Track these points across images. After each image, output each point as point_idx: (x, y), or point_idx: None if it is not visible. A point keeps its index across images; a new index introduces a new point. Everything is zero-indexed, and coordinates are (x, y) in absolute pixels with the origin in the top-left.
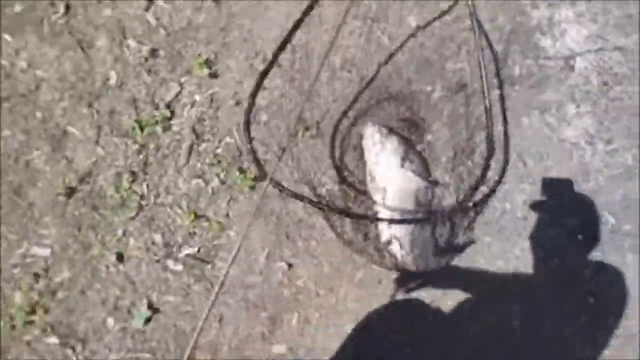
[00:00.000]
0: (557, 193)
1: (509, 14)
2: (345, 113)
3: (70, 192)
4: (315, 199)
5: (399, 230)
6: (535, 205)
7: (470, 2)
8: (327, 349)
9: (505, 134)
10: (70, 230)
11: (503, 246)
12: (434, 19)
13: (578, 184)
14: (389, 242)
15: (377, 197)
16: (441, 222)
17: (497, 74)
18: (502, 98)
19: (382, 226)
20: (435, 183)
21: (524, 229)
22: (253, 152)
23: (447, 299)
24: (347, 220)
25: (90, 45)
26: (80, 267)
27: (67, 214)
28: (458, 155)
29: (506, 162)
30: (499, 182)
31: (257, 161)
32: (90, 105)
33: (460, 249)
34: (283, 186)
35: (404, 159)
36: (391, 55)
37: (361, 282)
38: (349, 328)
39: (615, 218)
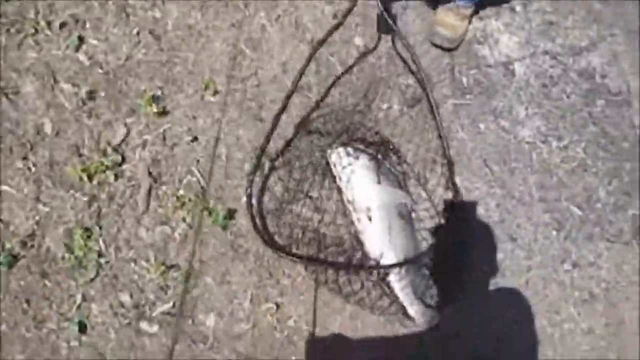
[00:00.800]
0: None
1: None
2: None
3: (12, 260)
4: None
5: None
6: None
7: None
8: None
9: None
10: (17, 305)
11: (486, 252)
12: (378, 41)
13: (543, 180)
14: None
15: (362, 217)
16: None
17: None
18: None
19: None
20: (412, 196)
21: (502, 232)
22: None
23: None
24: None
25: (15, 92)
26: (35, 346)
27: (12, 286)
28: (425, 167)
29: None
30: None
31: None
32: (24, 158)
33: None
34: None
35: (378, 175)
36: (341, 76)
37: (355, 313)
38: None
39: (581, 209)
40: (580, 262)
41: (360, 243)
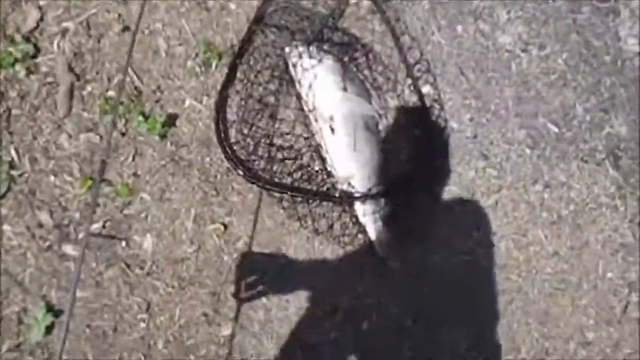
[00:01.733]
0: None
1: None
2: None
3: None
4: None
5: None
6: None
7: None
8: (284, 318)
9: None
10: None
11: (457, 169)
12: None
13: (520, 92)
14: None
15: (324, 127)
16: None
17: None
18: None
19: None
20: (382, 104)
21: (474, 148)
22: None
23: None
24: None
25: None
26: None
27: None
28: (395, 73)
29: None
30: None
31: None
32: None
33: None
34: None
35: (344, 81)
36: None
37: (311, 235)
38: (306, 290)
39: (557, 127)
40: (552, 182)
41: (320, 157)
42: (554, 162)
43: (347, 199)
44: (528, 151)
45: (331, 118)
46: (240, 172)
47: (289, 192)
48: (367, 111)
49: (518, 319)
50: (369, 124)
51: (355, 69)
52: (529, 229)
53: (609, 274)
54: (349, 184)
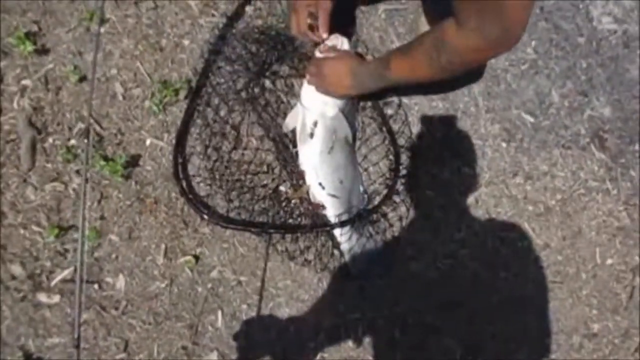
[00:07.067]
0: None
1: None
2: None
3: None
4: None
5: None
6: None
7: None
8: (266, 342)
9: None
10: None
11: (431, 172)
12: None
13: (489, 87)
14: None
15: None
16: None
17: None
18: None
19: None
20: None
21: (446, 149)
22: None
23: None
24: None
25: None
26: None
27: None
28: None
29: None
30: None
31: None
32: None
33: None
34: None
35: None
36: None
37: (286, 256)
38: (285, 310)
39: (533, 116)
40: (534, 173)
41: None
42: (533, 153)
43: (310, 230)
44: (504, 145)
45: (315, 123)
46: (205, 216)
47: (249, 228)
48: (347, 129)
49: (514, 317)
50: (348, 139)
51: None
52: (515, 223)
53: (609, 261)
54: (322, 206)
